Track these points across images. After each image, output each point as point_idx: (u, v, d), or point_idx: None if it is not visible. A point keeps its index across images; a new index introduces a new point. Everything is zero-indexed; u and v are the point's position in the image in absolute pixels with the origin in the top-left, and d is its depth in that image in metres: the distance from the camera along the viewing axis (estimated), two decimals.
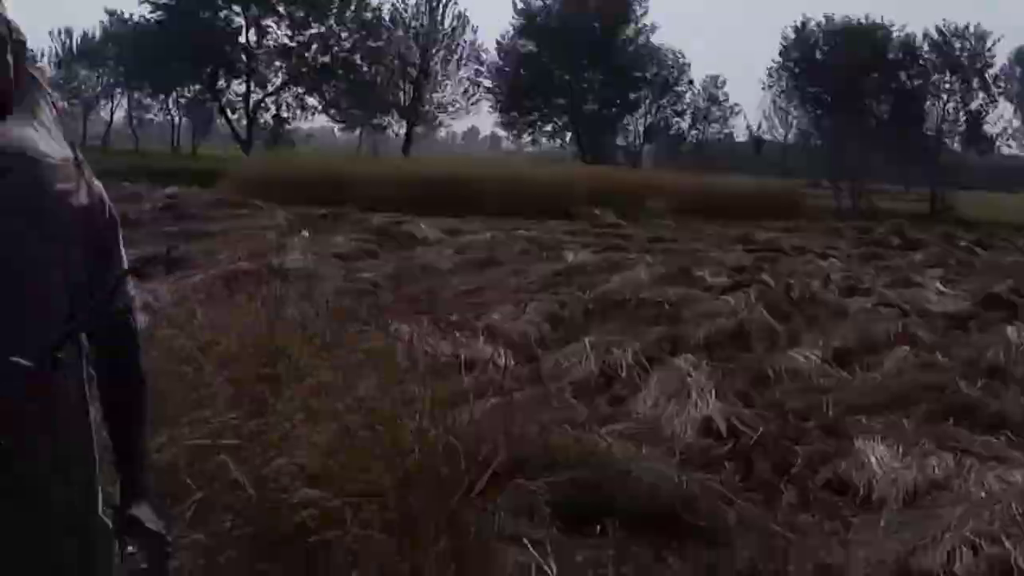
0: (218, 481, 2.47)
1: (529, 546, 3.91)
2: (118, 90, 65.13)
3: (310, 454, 2.50)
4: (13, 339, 1.66)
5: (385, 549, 2.54)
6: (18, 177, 1.78)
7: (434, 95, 57.23)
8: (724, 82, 62.62)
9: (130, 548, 1.85)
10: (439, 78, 57.41)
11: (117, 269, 1.92)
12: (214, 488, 2.45)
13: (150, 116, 73.00)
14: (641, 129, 59.45)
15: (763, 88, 55.75)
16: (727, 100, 59.69)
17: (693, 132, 60.31)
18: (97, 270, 1.86)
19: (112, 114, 69.05)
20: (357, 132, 66.72)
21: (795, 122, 53.06)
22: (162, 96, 59.93)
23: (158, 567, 1.85)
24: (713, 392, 6.75)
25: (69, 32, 65.32)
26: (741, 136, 61.70)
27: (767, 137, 57.10)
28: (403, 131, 57.87)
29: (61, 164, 1.86)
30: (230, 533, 2.41)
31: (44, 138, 1.87)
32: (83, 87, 66.58)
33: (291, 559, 2.47)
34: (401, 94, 57.03)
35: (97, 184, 1.93)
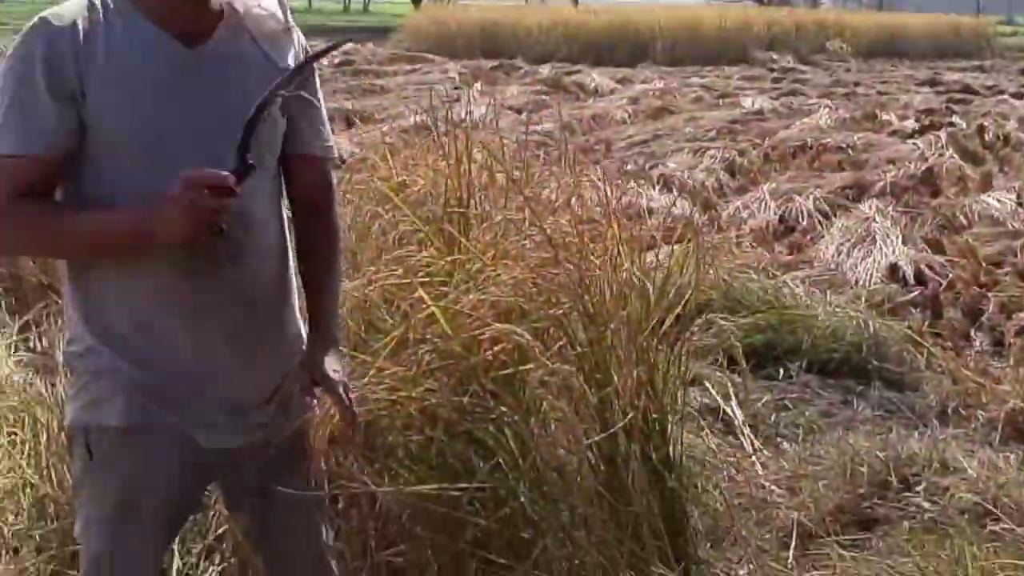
0: (414, 317, 2.55)
1: (711, 388, 3.96)
2: None
3: (500, 291, 2.56)
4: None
5: (575, 382, 2.61)
6: (226, 30, 1.85)
7: None
8: None
9: (315, 399, 1.97)
10: None
11: (314, 109, 1.98)
12: (411, 323, 2.54)
13: None
14: None
15: None
16: None
17: None
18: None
19: None
20: None
21: None
22: None
23: (344, 414, 1.95)
24: (900, 238, 6.57)
25: None
26: None
27: None
28: None
29: (269, 16, 1.92)
30: (427, 366, 2.51)
31: None
32: None
33: (485, 391, 2.57)
34: None
35: (303, 39, 1.99)
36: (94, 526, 1.93)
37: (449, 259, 2.71)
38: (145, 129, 1.78)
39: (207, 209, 1.69)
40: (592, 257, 2.62)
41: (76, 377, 1.93)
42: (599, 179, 3.00)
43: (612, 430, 2.56)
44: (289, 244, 2.03)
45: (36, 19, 1.76)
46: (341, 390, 1.94)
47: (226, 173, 1.69)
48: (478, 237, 2.81)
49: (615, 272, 2.61)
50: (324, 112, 2.03)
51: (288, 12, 1.96)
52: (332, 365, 1.96)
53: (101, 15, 1.77)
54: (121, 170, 1.78)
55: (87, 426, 1.89)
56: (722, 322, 4.13)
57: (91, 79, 1.74)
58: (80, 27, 1.74)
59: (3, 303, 4.76)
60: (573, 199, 2.80)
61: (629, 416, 2.56)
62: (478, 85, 14.70)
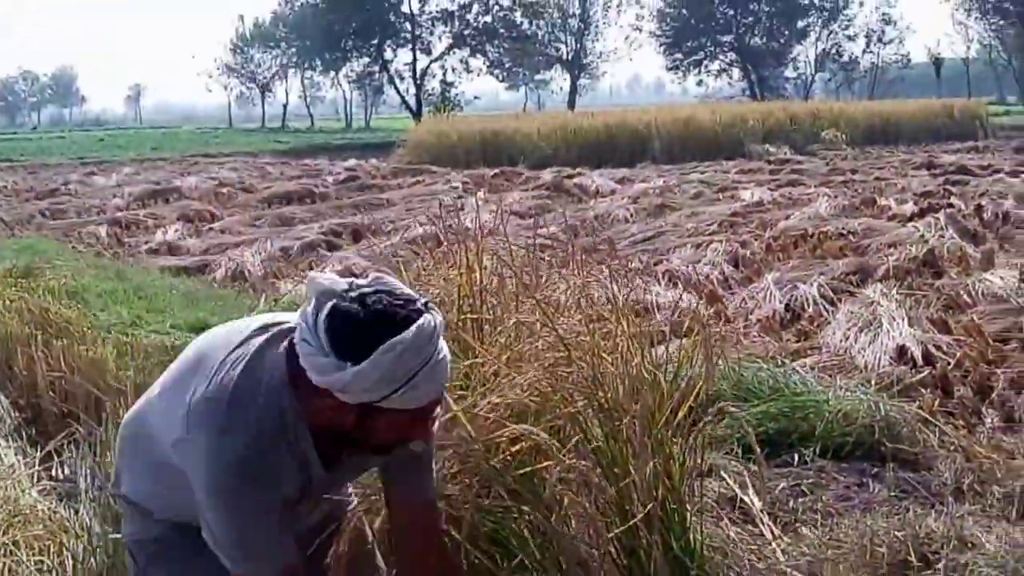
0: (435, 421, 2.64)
1: (727, 478, 4.01)
2: (291, 70, 67.42)
3: (517, 392, 2.65)
4: None
5: (593, 477, 2.67)
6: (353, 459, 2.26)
7: (596, 44, 57.19)
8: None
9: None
10: (600, 26, 57.30)
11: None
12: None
13: (322, 94, 75.21)
14: (812, 58, 57.72)
15: (941, 2, 53.35)
16: (902, 19, 57.42)
17: (867, 56, 58.17)
18: None
19: (287, 95, 71.49)
20: (522, 91, 67.13)
21: (976, 37, 50.49)
22: (332, 73, 61.70)
23: None
24: (906, 320, 6.63)
25: (242, 18, 68.21)
26: (919, 58, 59.18)
27: (946, 55, 54.51)
28: (567, 85, 58.00)
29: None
30: (450, 470, 2.59)
31: None
32: (258, 70, 69.21)
33: (506, 491, 2.64)
34: (563, 47, 57.11)
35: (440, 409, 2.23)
36: None
37: (465, 364, 2.81)
38: None
39: None
40: (604, 354, 2.71)
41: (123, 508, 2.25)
42: (606, 278, 3.10)
43: (632, 522, 2.62)
44: None
45: (244, 444, 1.92)
46: None
47: None
48: (492, 341, 2.91)
49: (626, 367, 2.70)
50: (433, 460, 2.33)
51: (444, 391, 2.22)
52: None
53: (282, 427, 1.99)
54: None
55: (128, 543, 2.22)
56: (734, 410, 4.18)
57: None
58: (274, 440, 1.97)
59: (24, 434, 4.84)
60: (582, 300, 2.90)
61: (648, 508, 2.62)
62: (480, 193, 14.95)
